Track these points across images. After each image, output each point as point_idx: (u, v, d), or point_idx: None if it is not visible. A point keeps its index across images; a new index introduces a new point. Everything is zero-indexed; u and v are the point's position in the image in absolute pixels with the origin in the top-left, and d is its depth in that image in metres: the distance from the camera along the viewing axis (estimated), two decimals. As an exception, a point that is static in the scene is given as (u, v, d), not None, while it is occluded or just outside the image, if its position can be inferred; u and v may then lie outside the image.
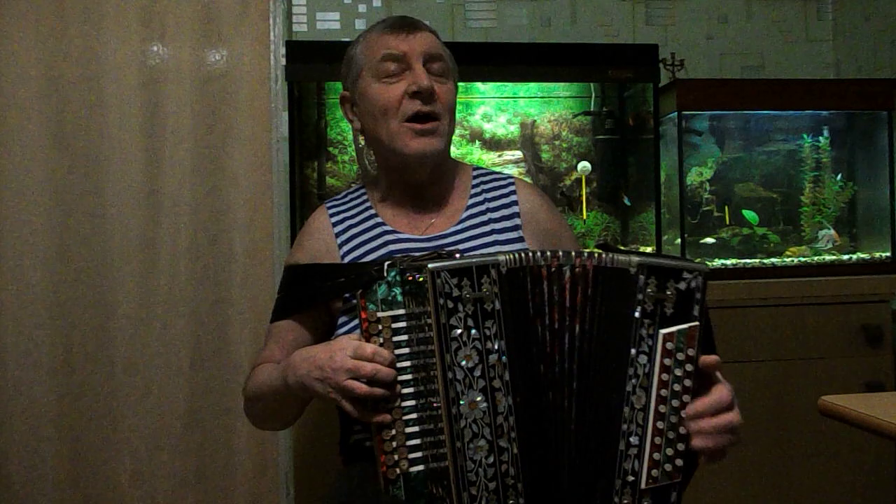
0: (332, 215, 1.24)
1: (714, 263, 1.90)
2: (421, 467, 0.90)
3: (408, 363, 0.92)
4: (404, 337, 0.92)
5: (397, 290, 0.92)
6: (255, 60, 2.00)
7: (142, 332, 1.94)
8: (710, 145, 2.05)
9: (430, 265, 0.86)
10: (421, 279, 0.87)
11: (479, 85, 2.03)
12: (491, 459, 0.85)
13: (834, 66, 2.28)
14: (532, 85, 2.06)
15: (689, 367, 0.87)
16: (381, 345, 0.91)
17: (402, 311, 0.92)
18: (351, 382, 0.91)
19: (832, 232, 1.99)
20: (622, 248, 0.91)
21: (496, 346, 0.87)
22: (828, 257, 1.94)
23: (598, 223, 2.09)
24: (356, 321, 1.11)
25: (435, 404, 0.86)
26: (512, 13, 2.19)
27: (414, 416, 0.90)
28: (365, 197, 1.27)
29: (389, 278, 0.92)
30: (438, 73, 1.17)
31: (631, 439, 0.87)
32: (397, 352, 0.91)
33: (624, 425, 0.87)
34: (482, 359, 0.86)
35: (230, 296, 1.97)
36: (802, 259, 1.93)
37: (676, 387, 0.87)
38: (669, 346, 0.87)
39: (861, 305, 1.81)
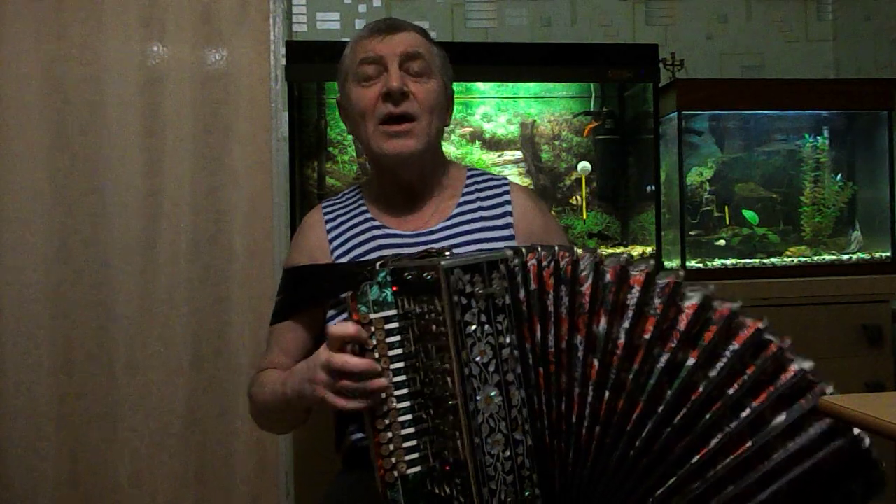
0: (326, 213, 1.25)
1: (714, 263, 1.90)
2: (419, 468, 0.89)
3: (401, 364, 0.91)
4: (397, 338, 0.92)
5: (388, 291, 0.92)
6: (255, 60, 2.00)
7: (142, 332, 1.94)
8: (710, 145, 2.05)
9: (442, 263, 0.85)
10: (428, 277, 0.86)
11: (479, 85, 2.03)
12: (508, 453, 0.85)
13: (834, 66, 2.27)
14: (532, 85, 2.06)
15: None
16: (374, 347, 0.91)
17: (393, 312, 0.92)
18: (325, 370, 0.92)
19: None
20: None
21: (508, 341, 0.87)
22: (827, 257, 1.94)
23: (598, 223, 2.09)
24: (344, 315, 1.12)
25: (450, 402, 0.85)
26: (512, 13, 2.18)
27: (409, 417, 0.90)
28: (359, 195, 1.28)
29: (380, 279, 0.92)
30: (418, 72, 1.17)
31: None
32: (391, 353, 0.91)
33: None
34: (496, 353, 0.86)
35: (230, 296, 1.97)
36: (802, 259, 1.94)
37: None
38: None
39: (861, 305, 1.80)
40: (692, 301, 0.86)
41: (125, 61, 1.96)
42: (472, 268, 0.86)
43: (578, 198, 2.07)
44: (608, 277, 0.88)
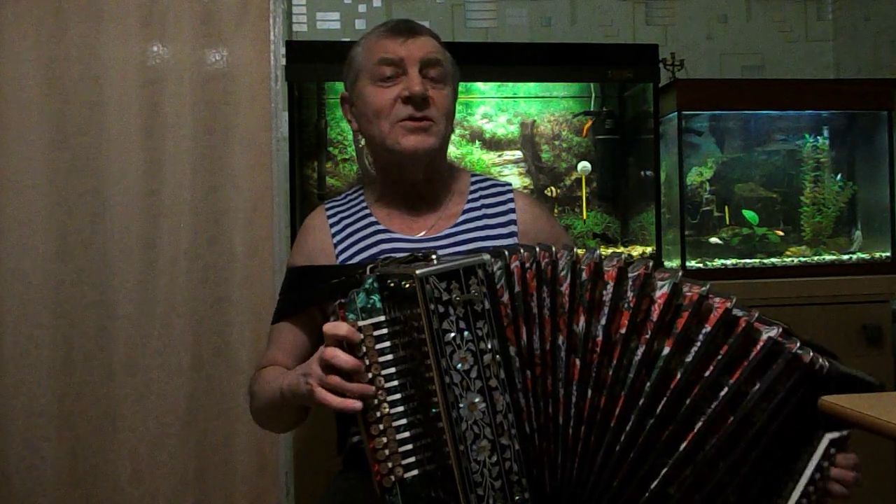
0: (330, 216, 1.25)
1: (714, 263, 1.90)
2: (416, 472, 0.89)
3: (393, 369, 0.90)
4: (387, 344, 0.91)
5: (376, 297, 0.91)
6: (255, 60, 2.00)
7: (142, 332, 1.94)
8: (710, 145, 2.05)
9: (417, 272, 0.84)
10: (405, 285, 0.86)
11: (479, 85, 2.03)
12: (494, 458, 0.85)
13: (834, 66, 2.28)
14: (532, 85, 2.06)
15: (834, 471, 0.90)
16: (364, 354, 0.90)
17: (382, 318, 0.91)
18: (320, 366, 0.91)
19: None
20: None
21: (489, 346, 0.86)
22: (827, 257, 1.94)
23: (598, 223, 2.09)
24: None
25: (434, 410, 0.85)
26: (512, 13, 2.18)
27: (404, 421, 0.89)
28: (362, 197, 1.27)
29: (367, 285, 0.92)
30: (435, 78, 1.17)
31: None
32: (381, 359, 0.90)
33: None
34: (477, 360, 0.85)
35: (230, 296, 1.97)
36: (802, 259, 1.94)
37: (821, 483, 0.89)
38: (832, 450, 0.89)
39: (861, 305, 1.81)
40: (663, 290, 0.88)
41: (125, 61, 1.96)
42: (448, 275, 0.85)
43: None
44: (584, 275, 0.89)
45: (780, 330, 0.87)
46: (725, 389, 0.86)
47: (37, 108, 1.92)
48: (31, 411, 1.89)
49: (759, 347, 0.86)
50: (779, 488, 0.89)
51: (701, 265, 1.89)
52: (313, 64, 1.81)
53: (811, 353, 0.87)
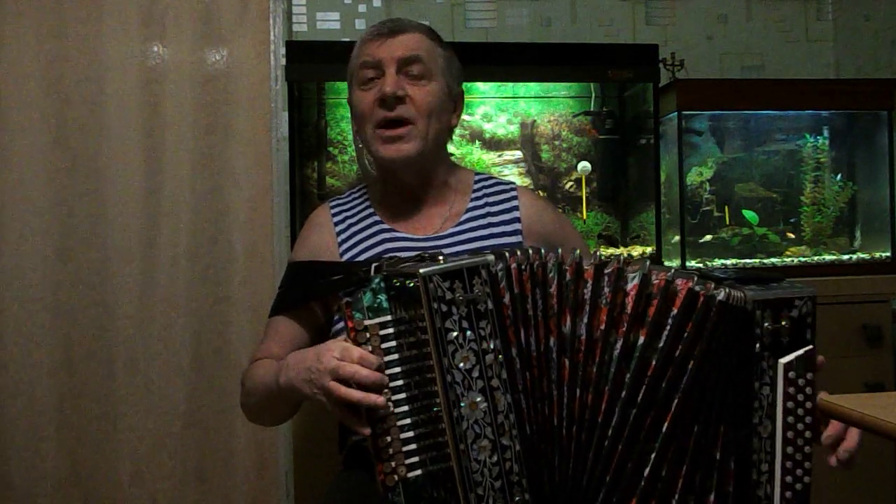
0: (334, 214, 1.25)
1: (714, 263, 1.90)
2: (419, 472, 0.89)
3: (398, 369, 0.91)
4: (393, 343, 0.91)
5: (382, 297, 0.91)
6: (255, 60, 2.00)
7: (142, 332, 1.94)
8: (710, 145, 2.05)
9: (421, 270, 0.85)
10: (410, 284, 0.87)
11: (479, 85, 2.03)
12: (495, 458, 0.85)
13: (834, 66, 2.28)
14: (532, 85, 2.06)
15: (808, 391, 0.90)
16: (370, 353, 0.91)
17: (388, 318, 0.91)
18: (333, 384, 0.90)
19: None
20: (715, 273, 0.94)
21: (492, 346, 0.87)
22: (827, 257, 1.94)
23: (598, 223, 2.09)
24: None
25: (435, 409, 0.86)
26: (512, 13, 2.18)
27: (408, 421, 0.90)
28: (366, 196, 1.27)
29: (374, 285, 0.92)
30: (416, 75, 1.17)
31: (762, 467, 0.90)
32: (387, 358, 0.91)
33: (754, 455, 0.90)
34: (479, 359, 0.86)
35: (230, 295, 1.97)
36: (802, 259, 1.94)
37: (800, 411, 0.90)
38: (791, 374, 0.90)
39: (861, 305, 1.81)
40: (634, 282, 0.90)
41: (125, 61, 1.95)
42: (451, 274, 0.86)
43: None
44: (568, 276, 0.91)
45: (729, 291, 0.88)
46: (692, 363, 0.88)
47: (37, 108, 1.92)
48: (31, 411, 1.89)
49: (713, 314, 0.88)
50: (751, 424, 0.90)
51: (701, 265, 1.89)
52: (313, 64, 1.81)
53: (737, 294, 0.88)
